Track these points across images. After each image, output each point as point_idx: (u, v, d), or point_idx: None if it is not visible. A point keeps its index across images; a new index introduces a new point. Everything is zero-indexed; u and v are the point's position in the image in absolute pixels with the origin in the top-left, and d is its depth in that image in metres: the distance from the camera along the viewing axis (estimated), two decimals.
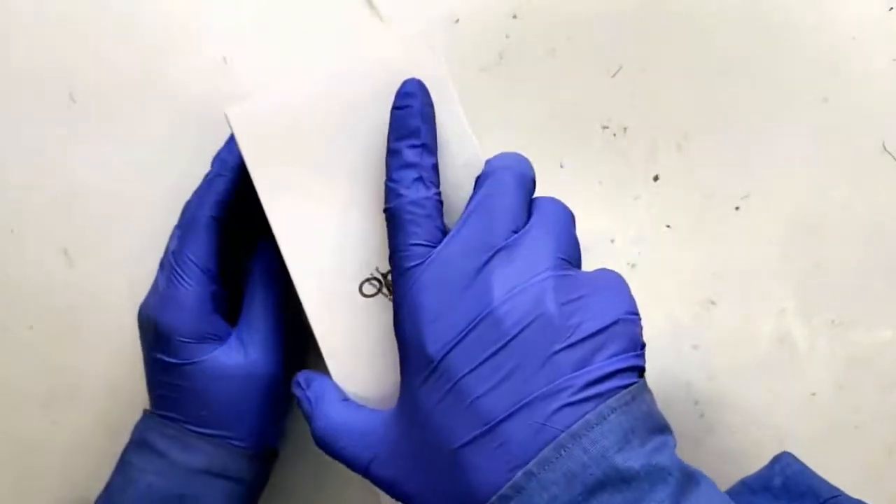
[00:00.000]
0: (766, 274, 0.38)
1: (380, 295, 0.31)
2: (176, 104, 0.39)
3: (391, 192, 0.29)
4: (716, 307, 0.38)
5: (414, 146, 0.29)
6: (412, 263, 0.28)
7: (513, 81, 0.38)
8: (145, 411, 0.35)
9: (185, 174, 0.39)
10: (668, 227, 0.38)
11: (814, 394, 0.38)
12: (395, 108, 0.29)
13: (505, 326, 0.26)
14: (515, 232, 0.28)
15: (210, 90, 0.39)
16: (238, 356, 0.33)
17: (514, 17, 0.38)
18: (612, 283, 0.28)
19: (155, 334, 0.33)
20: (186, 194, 0.39)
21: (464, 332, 0.26)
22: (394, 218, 0.29)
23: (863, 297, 0.38)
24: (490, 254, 0.27)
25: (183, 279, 0.33)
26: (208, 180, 0.35)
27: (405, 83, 0.30)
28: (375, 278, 0.32)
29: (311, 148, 0.31)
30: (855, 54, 0.37)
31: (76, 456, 0.41)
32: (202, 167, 0.38)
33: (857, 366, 0.38)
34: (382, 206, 0.29)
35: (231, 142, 0.35)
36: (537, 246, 0.27)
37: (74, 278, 0.40)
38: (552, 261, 0.27)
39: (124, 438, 0.38)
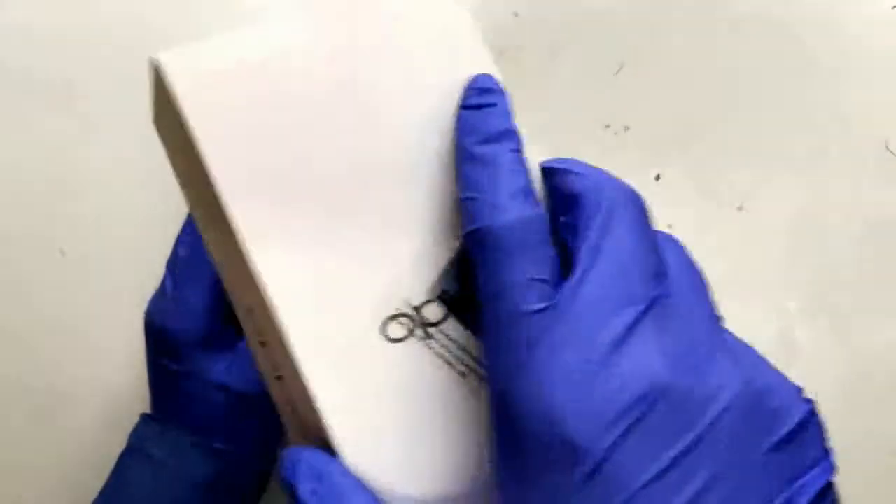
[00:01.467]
0: (768, 274, 0.38)
1: (412, 339, 0.22)
2: None
3: (485, 208, 0.21)
4: (718, 307, 0.38)
5: (513, 151, 0.22)
6: (534, 307, 0.19)
7: (513, 80, 0.38)
8: (143, 416, 0.35)
9: None
10: (668, 226, 0.38)
11: (814, 393, 0.38)
12: (470, 106, 0.23)
13: (691, 412, 0.18)
14: (656, 280, 0.21)
15: None
16: (245, 371, 0.33)
17: (516, 15, 0.38)
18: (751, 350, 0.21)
19: (162, 340, 0.33)
20: None
21: (631, 418, 0.18)
22: (493, 244, 0.20)
23: (864, 298, 0.38)
24: (638, 309, 0.20)
25: (194, 287, 0.33)
26: None
27: (479, 78, 0.24)
28: (406, 314, 0.22)
29: (300, 120, 0.22)
30: (856, 54, 0.37)
31: (75, 456, 0.40)
32: None
33: (859, 366, 0.38)
34: (410, 209, 0.22)
35: None
36: (690, 300, 0.21)
37: (74, 278, 0.40)
38: (712, 321, 0.21)
39: (122, 439, 0.38)
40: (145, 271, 0.39)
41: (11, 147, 0.39)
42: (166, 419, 0.34)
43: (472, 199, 0.21)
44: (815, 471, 0.19)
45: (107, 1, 0.39)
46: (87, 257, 0.40)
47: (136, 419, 0.35)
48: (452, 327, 0.23)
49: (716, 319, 0.21)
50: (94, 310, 0.40)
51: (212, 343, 0.33)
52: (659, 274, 0.21)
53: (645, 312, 0.20)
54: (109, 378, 0.40)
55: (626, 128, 0.38)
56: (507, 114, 0.23)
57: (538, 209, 0.21)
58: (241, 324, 0.25)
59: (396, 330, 0.22)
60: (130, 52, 0.39)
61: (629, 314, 0.19)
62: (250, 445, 0.34)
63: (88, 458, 0.40)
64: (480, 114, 0.23)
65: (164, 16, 0.39)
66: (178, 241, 0.34)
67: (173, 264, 0.34)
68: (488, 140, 0.23)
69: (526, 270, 0.20)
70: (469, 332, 0.23)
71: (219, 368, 0.33)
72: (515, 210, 0.21)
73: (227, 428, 0.33)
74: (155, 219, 0.39)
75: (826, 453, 0.20)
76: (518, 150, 0.22)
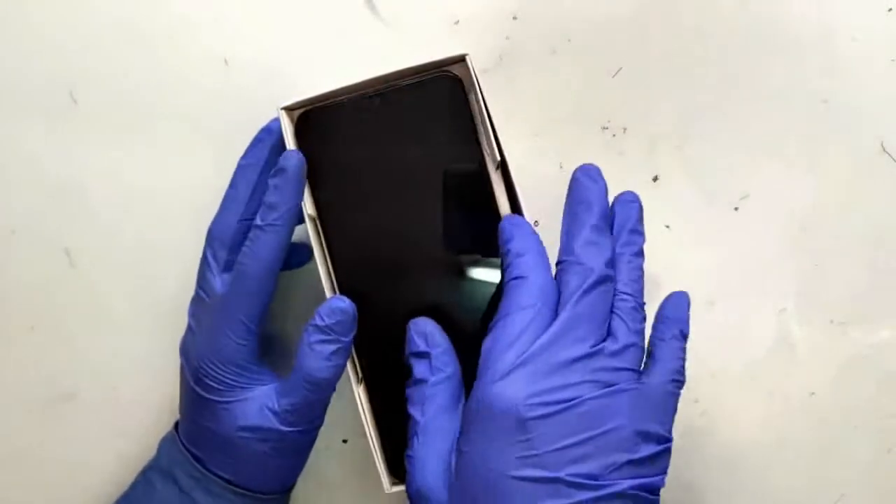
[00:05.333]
0: (766, 274, 0.38)
1: None
2: (176, 105, 0.39)
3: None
4: (716, 307, 0.38)
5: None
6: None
7: (513, 82, 0.38)
8: (172, 435, 0.35)
9: (185, 174, 0.39)
10: (667, 227, 0.38)
11: (813, 394, 0.38)
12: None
13: None
14: None
15: (211, 91, 0.39)
16: (274, 419, 0.32)
17: (515, 18, 0.38)
18: None
19: (199, 377, 0.33)
20: (187, 194, 0.39)
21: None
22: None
23: (862, 297, 0.38)
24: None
25: (227, 335, 0.32)
26: (258, 228, 0.32)
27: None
28: None
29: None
30: (854, 55, 0.37)
31: (77, 456, 0.40)
32: (202, 167, 0.39)
33: (856, 366, 0.38)
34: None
35: (282, 184, 0.32)
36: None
37: (75, 278, 0.40)
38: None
39: (125, 438, 0.38)
40: (148, 270, 0.39)
41: (13, 147, 0.40)
42: (192, 446, 0.34)
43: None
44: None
45: (109, 1, 0.39)
46: (89, 256, 0.40)
47: (139, 416, 0.36)
48: None
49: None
50: (97, 309, 0.40)
51: (248, 383, 0.33)
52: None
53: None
54: (112, 376, 0.40)
55: (624, 129, 0.38)
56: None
57: None
58: None
59: None
60: (133, 53, 0.39)
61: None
62: (275, 486, 0.34)
63: (92, 456, 0.40)
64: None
65: (164, 17, 0.39)
66: (207, 267, 0.33)
67: (211, 301, 0.33)
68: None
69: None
70: None
71: (252, 414, 0.32)
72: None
73: (252, 471, 0.33)
74: (157, 218, 0.39)
75: None
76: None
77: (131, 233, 0.39)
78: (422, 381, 0.30)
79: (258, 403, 0.32)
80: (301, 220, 0.33)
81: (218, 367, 0.32)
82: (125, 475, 0.36)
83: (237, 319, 0.32)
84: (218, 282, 0.33)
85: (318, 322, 0.31)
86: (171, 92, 0.39)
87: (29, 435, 0.41)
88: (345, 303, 0.31)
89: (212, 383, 0.32)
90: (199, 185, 0.38)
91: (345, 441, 0.39)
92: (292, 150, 0.32)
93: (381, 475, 0.33)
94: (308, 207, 0.33)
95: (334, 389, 0.33)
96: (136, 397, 0.40)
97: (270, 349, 0.39)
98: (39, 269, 0.40)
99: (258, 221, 0.32)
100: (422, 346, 0.30)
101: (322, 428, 0.34)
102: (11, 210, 0.40)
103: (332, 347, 0.31)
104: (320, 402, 0.33)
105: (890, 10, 0.37)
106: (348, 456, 0.39)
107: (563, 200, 0.38)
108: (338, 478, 0.40)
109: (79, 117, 0.39)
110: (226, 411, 0.32)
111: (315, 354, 0.31)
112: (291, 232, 0.33)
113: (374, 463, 0.33)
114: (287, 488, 0.36)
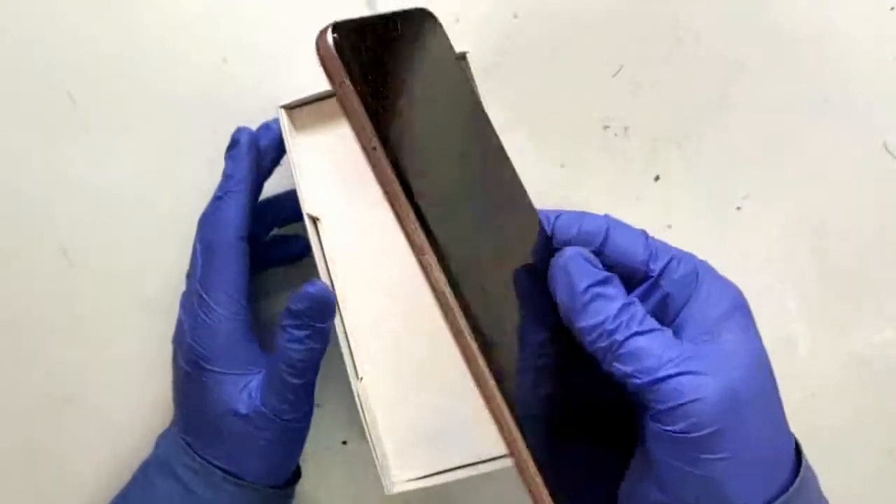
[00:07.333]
0: (767, 274, 0.38)
1: None
2: (176, 105, 0.39)
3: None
4: None
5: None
6: None
7: (513, 82, 0.38)
8: (171, 429, 0.35)
9: (185, 174, 0.39)
10: (668, 227, 0.38)
11: (814, 394, 0.38)
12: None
13: None
14: None
15: (210, 91, 0.39)
16: (259, 405, 0.32)
17: (515, 16, 0.38)
18: None
19: (191, 358, 0.33)
20: (185, 194, 0.39)
21: None
22: None
23: (863, 297, 0.38)
24: None
25: (212, 309, 0.32)
26: (217, 199, 0.33)
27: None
28: None
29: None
30: (855, 54, 0.37)
31: (76, 456, 0.40)
32: (201, 167, 0.39)
33: (857, 366, 0.38)
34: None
35: (236, 155, 0.34)
36: None
37: (74, 278, 0.40)
38: None
39: (124, 438, 0.38)
40: (147, 270, 0.39)
41: (12, 147, 0.40)
42: (188, 437, 0.34)
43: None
44: None
45: (109, 1, 0.39)
46: (89, 256, 0.40)
47: (137, 416, 0.35)
48: None
49: None
50: (97, 309, 0.40)
51: (240, 366, 0.33)
52: None
53: None
54: (111, 376, 0.40)
55: (625, 129, 0.38)
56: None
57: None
58: None
59: None
60: (132, 53, 0.39)
61: None
62: (272, 476, 0.34)
63: (91, 456, 0.40)
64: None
65: (163, 17, 0.39)
66: (194, 258, 0.34)
67: (192, 287, 0.33)
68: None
69: None
70: None
71: (244, 396, 0.32)
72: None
73: (248, 460, 0.33)
74: (157, 218, 0.39)
75: None
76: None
77: (130, 232, 0.39)
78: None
79: (247, 389, 0.32)
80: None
81: (208, 344, 0.32)
82: (124, 475, 0.36)
83: (219, 292, 0.32)
84: (199, 267, 0.33)
85: (291, 306, 0.32)
86: (170, 92, 0.39)
87: (28, 435, 0.41)
88: (315, 287, 0.31)
89: (204, 364, 0.32)
90: (198, 184, 0.38)
91: (344, 443, 0.39)
92: (243, 127, 0.34)
93: (381, 476, 0.33)
94: (307, 207, 0.33)
95: (316, 373, 0.33)
96: (135, 397, 0.40)
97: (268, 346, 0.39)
98: (39, 269, 0.40)
99: (218, 193, 0.34)
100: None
101: (322, 428, 0.34)
102: (10, 210, 0.40)
103: (305, 332, 0.31)
104: (302, 385, 0.32)
105: (892, 9, 0.37)
106: (348, 457, 0.39)
107: (564, 200, 0.38)
108: (337, 479, 0.39)
109: (78, 117, 0.39)
110: (218, 393, 0.32)
111: (288, 336, 0.32)
112: (249, 204, 0.33)
113: (374, 464, 0.33)
114: (287, 482, 0.36)
